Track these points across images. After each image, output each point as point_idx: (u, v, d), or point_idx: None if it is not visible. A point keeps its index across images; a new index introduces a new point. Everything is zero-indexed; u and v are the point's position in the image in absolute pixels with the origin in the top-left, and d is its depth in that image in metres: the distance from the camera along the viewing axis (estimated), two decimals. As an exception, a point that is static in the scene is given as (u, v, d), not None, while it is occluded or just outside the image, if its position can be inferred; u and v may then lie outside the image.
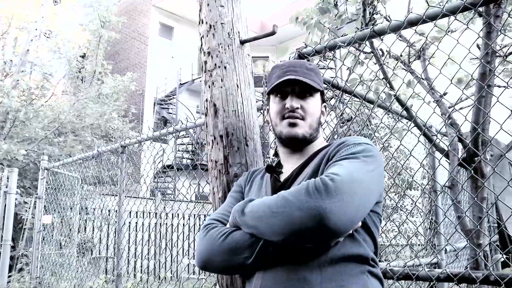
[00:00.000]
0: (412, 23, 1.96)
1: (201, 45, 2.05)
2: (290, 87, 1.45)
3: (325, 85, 2.44)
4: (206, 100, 1.98)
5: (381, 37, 2.07)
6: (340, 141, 1.38)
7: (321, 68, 2.59)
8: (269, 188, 1.45)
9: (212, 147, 1.91)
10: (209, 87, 1.97)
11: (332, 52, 2.24)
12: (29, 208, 6.25)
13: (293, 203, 1.11)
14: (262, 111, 2.41)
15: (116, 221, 8.32)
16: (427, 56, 2.89)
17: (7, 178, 5.59)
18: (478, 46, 2.50)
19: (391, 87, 2.45)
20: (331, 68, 2.58)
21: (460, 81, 3.12)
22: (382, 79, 2.46)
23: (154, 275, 8.09)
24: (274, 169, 1.51)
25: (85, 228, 8.49)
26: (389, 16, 2.57)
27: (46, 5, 9.80)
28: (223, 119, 1.89)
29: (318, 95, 1.50)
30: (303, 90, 1.45)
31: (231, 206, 1.39)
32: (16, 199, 6.19)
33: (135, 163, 8.18)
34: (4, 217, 5.44)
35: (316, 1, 3.01)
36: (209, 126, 1.94)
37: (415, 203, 2.38)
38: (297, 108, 1.43)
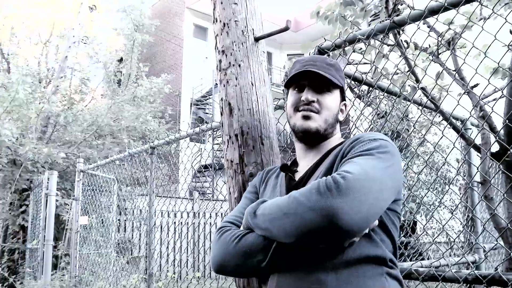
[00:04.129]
0: (434, 11, 1.86)
1: (216, 43, 2.04)
2: (308, 80, 1.42)
3: (352, 81, 2.37)
4: (221, 99, 1.96)
5: (402, 28, 1.98)
6: (355, 137, 1.33)
7: (350, 64, 2.52)
8: (283, 188, 1.42)
9: (227, 147, 1.89)
10: (224, 85, 1.95)
11: (353, 45, 2.16)
12: (70, 209, 6.44)
13: (304, 204, 1.07)
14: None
15: (159, 222, 8.49)
16: (457, 46, 2.76)
17: (48, 180, 5.80)
18: (511, 31, 2.36)
19: (417, 80, 2.35)
20: (353, 63, 2.50)
21: (496, 72, 2.97)
22: (408, 72, 2.36)
23: (184, 275, 8.19)
24: (288, 168, 1.47)
25: (125, 228, 8.70)
26: (413, 6, 2.46)
27: (83, 12, 10.09)
28: (238, 118, 1.86)
29: (336, 92, 1.45)
30: (321, 84, 1.41)
31: (245, 207, 1.36)
32: (57, 200, 6.41)
33: (174, 162, 8.28)
34: (46, 218, 5.64)
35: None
36: (225, 126, 1.92)
37: (459, 201, 2.28)
38: (313, 101, 1.39)
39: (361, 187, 1.07)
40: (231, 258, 1.24)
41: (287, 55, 20.48)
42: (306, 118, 1.39)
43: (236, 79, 1.90)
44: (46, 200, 5.69)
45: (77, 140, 8.34)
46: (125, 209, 8.39)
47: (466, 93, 2.64)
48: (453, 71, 2.74)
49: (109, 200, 5.56)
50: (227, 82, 1.93)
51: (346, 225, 1.02)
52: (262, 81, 1.94)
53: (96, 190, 5.35)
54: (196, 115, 17.56)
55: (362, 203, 1.05)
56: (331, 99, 1.43)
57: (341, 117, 1.49)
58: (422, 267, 1.98)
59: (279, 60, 20.65)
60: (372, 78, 2.60)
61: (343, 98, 1.50)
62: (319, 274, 1.15)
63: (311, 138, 1.42)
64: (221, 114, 1.96)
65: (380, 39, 2.55)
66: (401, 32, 2.03)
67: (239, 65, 1.92)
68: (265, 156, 1.82)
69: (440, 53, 2.90)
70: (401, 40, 2.50)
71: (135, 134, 9.45)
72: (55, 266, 6.69)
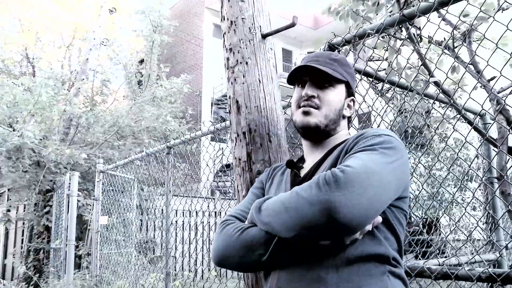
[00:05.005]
0: (444, 3, 1.82)
1: (224, 41, 2.03)
2: (309, 76, 1.40)
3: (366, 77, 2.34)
4: (229, 97, 1.95)
5: (412, 21, 1.94)
6: (359, 133, 1.31)
7: (371, 60, 2.47)
8: (288, 184, 1.41)
9: (235, 145, 1.88)
10: (232, 83, 1.94)
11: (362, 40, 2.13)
12: (91, 210, 6.55)
13: (304, 198, 1.06)
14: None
15: (175, 221, 8.56)
16: (473, 38, 2.69)
17: (69, 181, 5.91)
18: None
19: (430, 74, 2.29)
20: (367, 59, 2.46)
21: (515, 64, 2.88)
22: (419, 66, 2.31)
23: (201, 274, 8.21)
24: (294, 164, 1.46)
25: (147, 228, 8.80)
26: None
27: (103, 15, 10.25)
28: (245, 115, 1.86)
29: (341, 87, 1.43)
30: (322, 80, 1.40)
31: (251, 202, 1.36)
32: (79, 201, 6.53)
33: (196, 161, 8.33)
34: (68, 218, 5.75)
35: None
36: (233, 123, 1.92)
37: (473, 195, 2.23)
38: (312, 96, 1.38)
39: (360, 180, 1.05)
40: (232, 251, 1.24)
41: (307, 52, 20.35)
42: (306, 113, 1.39)
43: (243, 77, 1.90)
44: (68, 201, 5.80)
45: (99, 141, 8.48)
46: (147, 209, 8.49)
47: (482, 87, 2.57)
48: (468, 64, 2.67)
49: (129, 200, 5.63)
50: (235, 80, 1.92)
51: (344, 219, 1.01)
52: (269, 78, 1.93)
53: (116, 190, 5.43)
54: (217, 114, 17.62)
55: (360, 197, 1.03)
56: (334, 95, 1.41)
57: (347, 113, 1.47)
58: (439, 265, 1.94)
59: (299, 58, 20.57)
60: (385, 74, 2.56)
61: (350, 93, 1.47)
62: (320, 271, 1.14)
63: (312, 134, 1.41)
64: (229, 112, 1.96)
65: (391, 33, 2.51)
66: (411, 25, 1.98)
67: (246, 63, 1.91)
68: (273, 154, 1.81)
69: (456, 47, 2.83)
70: (414, 34, 2.45)
71: (156, 134, 9.55)
72: (78, 266, 6.82)
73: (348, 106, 1.47)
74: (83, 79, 9.18)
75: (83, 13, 11.66)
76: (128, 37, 11.77)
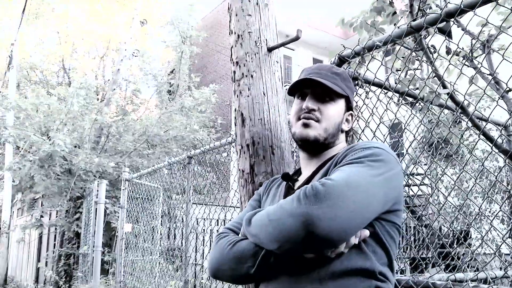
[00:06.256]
0: (451, 14, 1.79)
1: (231, 55, 2.06)
2: (310, 89, 1.41)
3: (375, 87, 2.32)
4: (235, 110, 1.98)
5: (420, 32, 1.92)
6: (350, 146, 1.31)
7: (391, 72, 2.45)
8: (282, 197, 1.42)
9: (240, 157, 1.91)
10: (237, 96, 1.97)
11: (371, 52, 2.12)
12: (118, 217, 6.70)
13: (285, 210, 1.08)
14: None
15: (202, 229, 8.62)
16: (491, 49, 2.63)
17: (97, 189, 6.06)
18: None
19: (444, 86, 2.25)
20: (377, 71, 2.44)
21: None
22: (428, 77, 2.28)
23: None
24: (289, 177, 1.47)
25: (174, 236, 8.91)
26: (446, 5, 2.37)
27: (135, 27, 10.53)
28: (249, 128, 1.87)
29: (341, 101, 1.43)
30: (323, 93, 1.40)
31: None
32: (107, 208, 6.70)
33: (226, 170, 8.37)
34: (95, 225, 5.90)
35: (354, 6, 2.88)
36: (238, 136, 1.94)
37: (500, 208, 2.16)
38: (313, 109, 1.38)
39: (339, 193, 1.05)
40: (225, 263, 1.26)
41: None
42: (306, 126, 1.38)
43: (248, 90, 1.92)
44: (96, 208, 5.95)
45: (129, 150, 8.67)
46: (175, 217, 8.60)
47: (501, 98, 2.51)
48: (488, 75, 2.61)
49: (154, 207, 5.73)
50: (240, 92, 1.95)
51: (322, 232, 1.01)
52: (274, 91, 1.95)
53: (140, 198, 5.53)
54: (246, 124, 17.69)
55: (339, 210, 1.03)
56: (334, 109, 1.41)
57: (346, 127, 1.46)
58: (460, 281, 1.88)
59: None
60: (398, 85, 2.53)
61: (349, 107, 1.47)
62: (305, 285, 1.14)
63: (310, 146, 1.41)
64: (235, 125, 1.98)
65: (402, 45, 2.48)
66: (420, 36, 1.96)
67: (252, 76, 1.93)
68: (275, 166, 1.82)
69: (476, 57, 2.78)
70: (433, 46, 2.42)
71: (184, 143, 9.70)
72: (106, 271, 6.97)
73: (347, 120, 1.46)
74: (114, 89, 9.43)
75: (116, 25, 12.03)
76: (158, 48, 12.05)
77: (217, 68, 18.80)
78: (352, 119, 1.49)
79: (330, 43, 18.77)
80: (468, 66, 2.67)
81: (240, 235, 1.30)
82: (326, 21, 18.68)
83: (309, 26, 16.29)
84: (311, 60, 19.21)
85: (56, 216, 8.34)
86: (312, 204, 1.03)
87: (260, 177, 1.80)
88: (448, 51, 2.74)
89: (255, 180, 1.81)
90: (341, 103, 1.43)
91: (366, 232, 1.15)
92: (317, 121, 1.39)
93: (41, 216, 8.68)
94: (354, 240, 1.13)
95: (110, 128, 8.43)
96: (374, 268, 1.16)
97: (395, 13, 2.83)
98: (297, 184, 1.43)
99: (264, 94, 1.91)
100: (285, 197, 1.39)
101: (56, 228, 8.53)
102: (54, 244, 8.86)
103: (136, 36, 10.63)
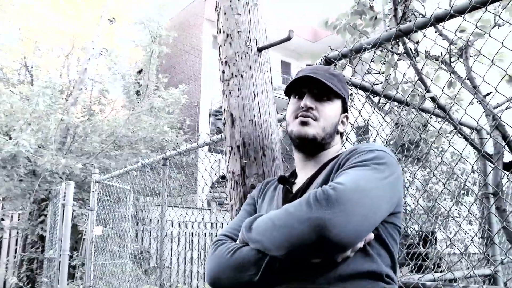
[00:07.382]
0: (440, 19, 1.82)
1: (219, 54, 2.03)
2: (308, 88, 1.39)
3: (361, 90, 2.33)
4: (224, 110, 1.94)
5: (408, 36, 1.94)
6: (352, 148, 1.30)
7: (368, 73, 2.47)
8: (280, 201, 1.39)
9: (229, 158, 1.87)
10: (227, 96, 1.93)
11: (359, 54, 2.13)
12: (87, 220, 6.50)
13: (294, 216, 1.05)
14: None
15: (170, 232, 8.50)
16: (470, 54, 2.69)
17: (64, 191, 5.86)
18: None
19: (426, 89, 2.29)
20: (364, 73, 2.46)
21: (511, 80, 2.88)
22: (416, 81, 2.31)
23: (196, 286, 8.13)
24: (286, 180, 1.44)
25: (142, 239, 8.74)
26: (420, 14, 2.41)
27: (103, 25, 10.27)
28: (239, 129, 1.84)
29: (337, 102, 1.42)
30: (321, 92, 1.39)
31: (243, 220, 1.34)
32: (74, 210, 6.49)
33: (192, 173, 8.29)
34: (62, 228, 5.70)
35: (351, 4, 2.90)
36: (227, 137, 1.90)
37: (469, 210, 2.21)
38: (311, 108, 1.37)
39: (351, 198, 1.04)
40: (225, 272, 1.21)
41: (306, 65, 20.43)
42: (304, 124, 1.37)
43: (238, 90, 1.89)
44: (63, 211, 5.75)
45: (96, 151, 8.45)
46: (143, 219, 8.44)
47: (478, 102, 2.57)
48: (465, 79, 2.66)
49: (124, 210, 5.59)
50: (230, 93, 1.92)
51: (335, 238, 1.00)
52: (265, 92, 1.92)
53: (111, 200, 5.39)
54: (214, 125, 17.58)
55: (352, 215, 1.02)
56: (331, 108, 1.40)
57: (341, 129, 1.46)
58: (434, 280, 1.91)
59: (297, 70, 20.62)
60: (382, 88, 2.55)
61: (344, 109, 1.47)
62: None
63: (308, 145, 1.39)
64: (224, 125, 1.95)
65: (388, 48, 2.51)
66: (408, 39, 1.99)
67: (242, 76, 1.90)
68: (267, 168, 1.80)
69: (453, 62, 2.83)
70: (410, 49, 2.45)
71: (153, 144, 9.53)
72: (72, 276, 6.75)
73: (342, 122, 1.46)
74: (81, 88, 9.17)
75: (83, 22, 11.68)
76: (127, 47, 11.80)
77: (185, 69, 18.62)
78: (347, 121, 1.49)
79: (299, 46, 18.92)
80: (446, 71, 2.73)
81: (238, 242, 1.27)
82: (295, 23, 18.83)
83: (276, 28, 16.37)
84: (279, 62, 19.32)
85: (18, 219, 8.02)
86: (324, 209, 1.02)
87: (251, 179, 1.77)
88: (426, 56, 2.79)
89: (246, 182, 1.77)
90: (337, 104, 1.43)
91: (371, 235, 1.15)
92: (315, 119, 1.37)
93: (2, 219, 8.32)
94: (360, 244, 1.12)
95: (77, 128, 8.18)
96: (381, 270, 1.16)
97: (376, 17, 2.86)
98: (295, 187, 1.41)
99: (254, 95, 1.88)
100: (284, 200, 1.37)
101: (17, 232, 8.20)
102: (16, 249, 8.51)
103: (104, 34, 10.36)
